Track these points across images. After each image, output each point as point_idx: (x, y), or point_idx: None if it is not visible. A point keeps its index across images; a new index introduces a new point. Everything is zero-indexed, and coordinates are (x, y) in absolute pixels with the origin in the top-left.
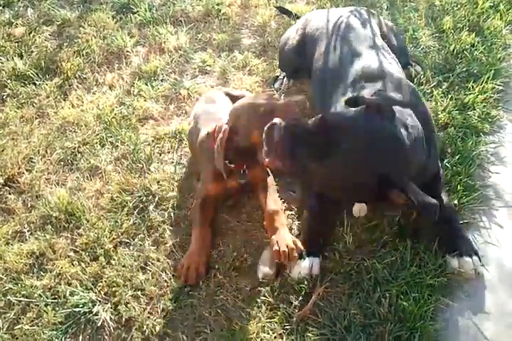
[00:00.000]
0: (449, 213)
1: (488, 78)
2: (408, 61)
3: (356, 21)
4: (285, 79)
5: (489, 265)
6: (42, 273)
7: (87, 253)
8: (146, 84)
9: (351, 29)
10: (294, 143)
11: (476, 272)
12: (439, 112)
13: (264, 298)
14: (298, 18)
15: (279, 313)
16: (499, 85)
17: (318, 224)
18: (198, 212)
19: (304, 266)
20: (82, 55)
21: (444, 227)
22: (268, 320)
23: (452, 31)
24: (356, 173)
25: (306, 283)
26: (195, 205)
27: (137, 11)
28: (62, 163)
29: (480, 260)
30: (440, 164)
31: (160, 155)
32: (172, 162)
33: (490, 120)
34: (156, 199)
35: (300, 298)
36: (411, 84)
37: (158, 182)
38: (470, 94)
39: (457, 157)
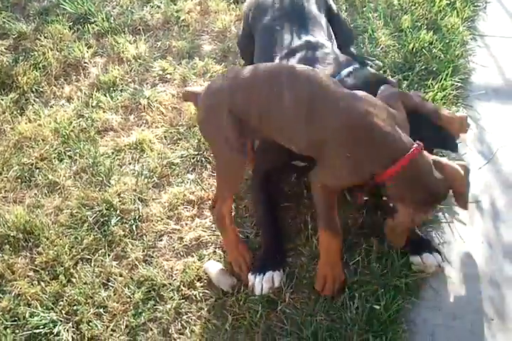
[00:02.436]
0: None
1: (446, 75)
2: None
3: None
4: None
5: (453, 262)
6: (1, 295)
7: (47, 272)
8: (105, 95)
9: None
10: None
11: (439, 267)
12: None
13: (229, 308)
14: None
15: (245, 323)
16: (458, 82)
17: (273, 231)
18: (327, 206)
19: (266, 283)
20: (39, 68)
21: None
22: (234, 331)
23: (411, 30)
24: None
25: (271, 291)
26: (319, 195)
27: (95, 21)
28: (19, 180)
29: (441, 255)
30: None
31: (121, 167)
32: (133, 173)
33: None
34: (118, 212)
35: (266, 306)
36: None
37: (119, 194)
38: (430, 91)
39: None
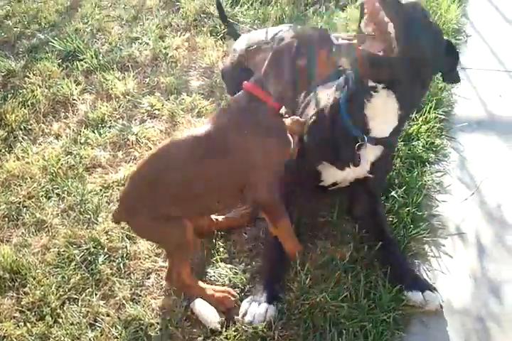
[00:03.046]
0: (396, 249)
1: (430, 108)
2: None
3: None
4: None
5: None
6: None
7: (34, 313)
8: (94, 132)
9: None
10: None
11: (440, 306)
12: None
13: None
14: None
15: None
16: (441, 114)
17: (279, 264)
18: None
19: (259, 313)
20: (28, 106)
21: (394, 264)
22: None
23: None
24: None
25: (260, 328)
26: (269, 197)
27: (83, 58)
28: (6, 219)
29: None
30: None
31: (108, 204)
32: None
33: (434, 149)
34: (105, 250)
35: None
36: None
37: (106, 232)
38: (414, 124)
39: (404, 188)
